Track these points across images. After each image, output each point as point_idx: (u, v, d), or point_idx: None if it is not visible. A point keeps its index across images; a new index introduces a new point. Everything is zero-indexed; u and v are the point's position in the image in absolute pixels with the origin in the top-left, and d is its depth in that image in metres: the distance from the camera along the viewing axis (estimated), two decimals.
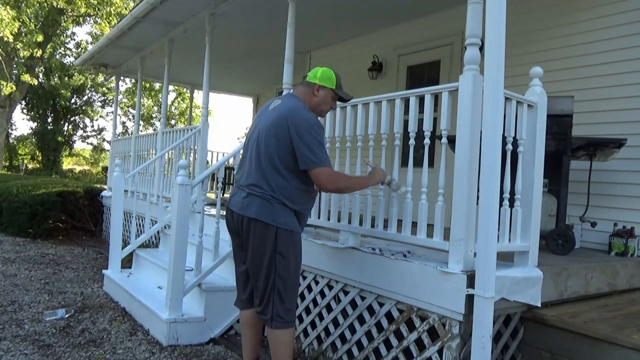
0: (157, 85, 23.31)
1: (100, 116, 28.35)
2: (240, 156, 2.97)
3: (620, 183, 4.26)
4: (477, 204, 2.46)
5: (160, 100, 15.79)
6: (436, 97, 2.85)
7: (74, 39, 35.36)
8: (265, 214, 2.55)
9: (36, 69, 22.05)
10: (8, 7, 16.01)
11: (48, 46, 21.33)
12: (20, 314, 4.05)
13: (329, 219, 3.50)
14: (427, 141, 2.82)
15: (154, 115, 27.14)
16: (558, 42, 4.78)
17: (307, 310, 3.56)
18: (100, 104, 28.13)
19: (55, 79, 24.29)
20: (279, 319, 2.58)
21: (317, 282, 3.49)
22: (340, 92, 2.80)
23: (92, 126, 28.53)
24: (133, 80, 18.16)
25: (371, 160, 3.07)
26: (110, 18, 19.87)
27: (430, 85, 2.93)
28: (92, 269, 5.97)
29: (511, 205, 2.82)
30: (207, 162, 6.81)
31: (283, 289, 2.58)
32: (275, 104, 2.72)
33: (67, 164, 30.97)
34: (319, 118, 2.74)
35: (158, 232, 5.69)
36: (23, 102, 25.01)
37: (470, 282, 2.43)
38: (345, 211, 3.36)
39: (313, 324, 3.50)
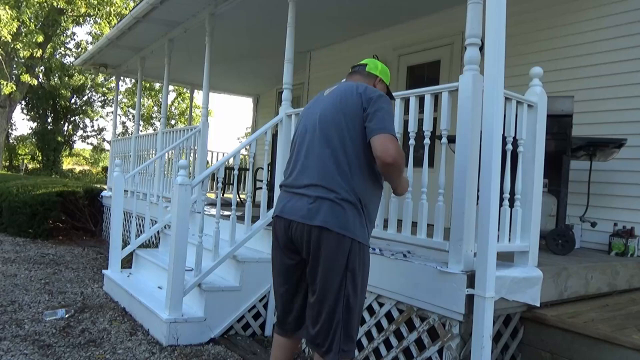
0: (157, 85, 23.31)
1: (100, 116, 28.38)
2: (288, 157, 2.43)
3: (620, 183, 4.26)
4: (477, 204, 2.46)
5: (160, 100, 15.80)
6: (436, 97, 2.85)
7: (74, 39, 35.35)
8: (339, 221, 2.07)
9: (36, 69, 22.05)
10: (7, 6, 16.00)
11: (48, 46, 21.32)
12: (20, 314, 4.05)
13: None
14: (427, 141, 2.82)
15: (154, 115, 27.14)
16: (558, 42, 4.78)
17: None
18: (100, 104, 28.17)
19: (55, 79, 24.26)
20: (341, 352, 2.11)
21: None
22: (391, 90, 2.56)
23: (92, 126, 28.58)
24: (133, 80, 18.18)
25: None
26: (110, 18, 19.87)
27: (430, 85, 2.93)
28: (92, 269, 5.97)
29: (511, 205, 2.82)
30: (207, 162, 6.82)
31: (349, 314, 2.12)
32: (329, 91, 2.34)
33: (67, 164, 30.96)
34: None
35: (158, 232, 5.69)
36: (23, 102, 25.01)
37: (470, 282, 2.43)
38: None
39: None
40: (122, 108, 25.99)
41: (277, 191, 3.92)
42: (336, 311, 2.10)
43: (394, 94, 3.04)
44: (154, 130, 24.08)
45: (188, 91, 15.76)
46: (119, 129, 25.68)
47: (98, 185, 10.76)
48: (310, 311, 2.19)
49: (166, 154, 6.26)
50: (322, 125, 2.19)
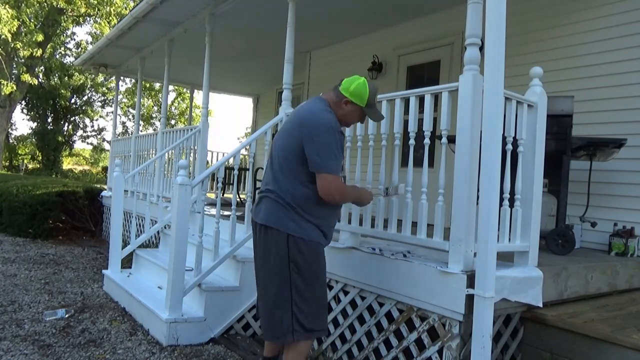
0: (157, 85, 23.31)
1: (100, 116, 28.35)
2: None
3: (620, 183, 4.26)
4: (477, 204, 2.46)
5: (160, 100, 15.80)
6: (436, 97, 2.85)
7: (74, 39, 35.36)
8: (276, 218, 2.43)
9: (36, 69, 22.04)
10: (7, 6, 16.00)
11: (48, 46, 21.31)
12: (20, 314, 4.05)
13: None
14: (427, 141, 2.82)
15: (154, 115, 27.13)
16: (558, 42, 4.78)
17: None
18: (100, 104, 28.14)
19: (55, 79, 24.27)
20: (295, 333, 2.43)
21: None
22: (368, 112, 2.63)
23: (92, 126, 28.54)
24: (133, 80, 18.17)
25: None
26: (110, 18, 19.88)
27: (430, 85, 2.93)
28: (92, 269, 5.97)
29: (511, 205, 2.82)
30: (207, 162, 6.82)
31: (299, 299, 2.41)
32: (297, 107, 2.65)
33: (67, 164, 30.94)
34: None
35: (158, 232, 5.69)
36: (23, 102, 25.00)
37: (470, 282, 2.43)
38: (345, 211, 3.36)
39: None
40: (122, 108, 25.97)
41: None
42: (282, 298, 2.42)
43: (394, 94, 3.06)
44: (154, 130, 24.07)
45: (188, 91, 15.78)
46: (119, 129, 25.68)
47: (98, 185, 10.76)
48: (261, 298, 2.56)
49: (166, 154, 6.26)
50: (276, 147, 2.57)
